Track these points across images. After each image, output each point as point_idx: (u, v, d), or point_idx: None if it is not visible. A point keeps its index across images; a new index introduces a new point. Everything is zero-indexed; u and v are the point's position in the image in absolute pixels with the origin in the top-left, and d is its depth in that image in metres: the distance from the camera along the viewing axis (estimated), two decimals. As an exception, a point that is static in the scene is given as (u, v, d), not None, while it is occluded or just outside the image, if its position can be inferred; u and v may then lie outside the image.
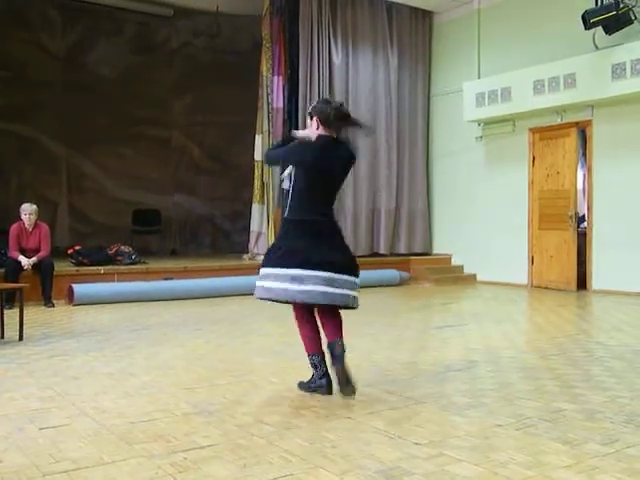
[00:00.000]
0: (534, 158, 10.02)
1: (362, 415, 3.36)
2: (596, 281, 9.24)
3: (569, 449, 2.83)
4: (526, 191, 10.09)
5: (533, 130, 10.01)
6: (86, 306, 7.71)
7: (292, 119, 10.02)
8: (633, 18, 8.30)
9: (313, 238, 3.68)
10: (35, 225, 7.74)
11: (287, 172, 3.82)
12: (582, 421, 3.24)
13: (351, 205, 10.70)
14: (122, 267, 8.77)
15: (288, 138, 4.05)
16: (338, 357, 3.62)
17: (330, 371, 3.73)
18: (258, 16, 10.45)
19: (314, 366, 3.77)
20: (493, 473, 2.57)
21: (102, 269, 8.49)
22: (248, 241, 10.39)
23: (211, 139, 13.49)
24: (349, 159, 3.85)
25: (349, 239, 10.61)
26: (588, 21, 8.31)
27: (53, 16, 12.26)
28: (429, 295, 9.22)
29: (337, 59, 10.59)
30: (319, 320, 3.79)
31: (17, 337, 5.52)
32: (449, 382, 4.08)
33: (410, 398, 3.68)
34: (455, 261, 11.23)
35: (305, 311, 3.79)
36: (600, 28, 8.43)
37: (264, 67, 10.14)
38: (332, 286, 3.59)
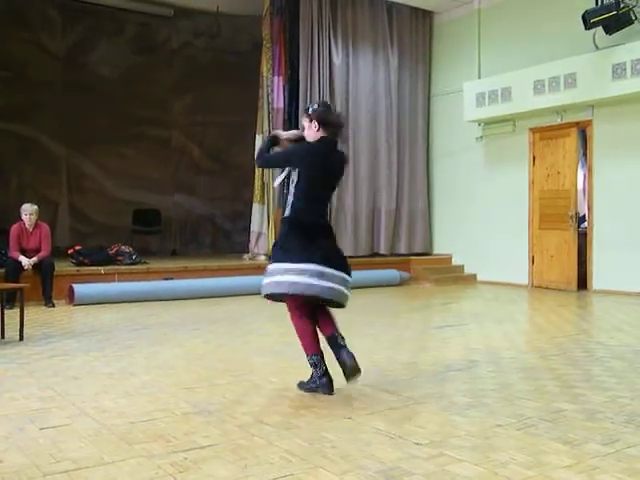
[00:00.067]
0: (534, 158, 10.02)
1: (362, 415, 3.35)
2: (596, 281, 9.24)
3: (569, 449, 2.83)
4: (526, 191, 10.08)
5: (533, 130, 10.01)
6: (86, 306, 7.71)
7: (292, 119, 10.01)
8: (633, 18, 8.30)
9: (322, 237, 3.83)
10: (35, 225, 7.74)
11: (285, 174, 3.89)
12: (582, 421, 3.24)
13: (351, 205, 10.70)
14: (122, 267, 8.77)
15: (273, 139, 4.04)
16: (345, 347, 3.74)
17: (329, 370, 3.76)
18: (258, 16, 10.45)
19: (314, 365, 3.77)
20: (493, 473, 2.57)
21: (102, 269, 8.49)
22: (248, 241, 10.39)
23: (211, 139, 13.49)
24: (344, 162, 4.07)
25: (349, 239, 10.63)
26: (588, 21, 8.31)
27: (53, 16, 12.26)
28: (429, 295, 9.22)
29: (337, 59, 10.59)
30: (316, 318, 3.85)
31: (17, 337, 5.52)
32: (449, 382, 4.08)
33: (410, 398, 3.68)
34: (455, 261, 11.23)
35: (306, 309, 3.81)
36: (600, 28, 8.42)
37: (264, 67, 10.14)
38: (342, 284, 3.78)
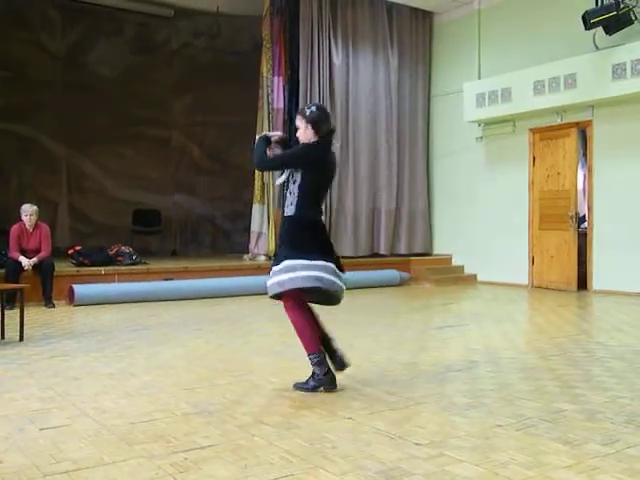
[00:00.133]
0: (534, 158, 10.02)
1: (362, 415, 3.36)
2: (596, 281, 9.24)
3: (569, 449, 2.83)
4: (526, 191, 10.09)
5: (533, 130, 10.01)
6: (86, 306, 7.71)
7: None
8: (633, 18, 8.30)
9: (324, 234, 3.99)
10: (35, 226, 7.74)
11: (287, 174, 3.93)
12: (582, 421, 3.24)
13: (351, 205, 10.70)
14: (123, 267, 8.77)
15: (266, 140, 4.05)
16: (334, 340, 3.94)
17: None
18: (258, 17, 10.46)
19: (319, 363, 3.80)
20: (494, 473, 2.57)
21: (103, 269, 8.49)
22: (248, 241, 10.39)
23: (211, 139, 13.49)
24: (336, 163, 4.18)
25: (349, 239, 10.64)
26: (588, 21, 8.32)
27: (53, 16, 12.27)
28: (429, 295, 9.22)
29: (337, 59, 10.60)
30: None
31: (18, 337, 5.52)
32: (449, 382, 4.08)
33: (410, 398, 3.68)
34: (455, 261, 11.23)
35: (307, 307, 3.88)
36: (600, 28, 8.43)
37: (264, 67, 10.14)
38: (343, 282, 3.93)
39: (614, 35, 8.41)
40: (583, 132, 9.62)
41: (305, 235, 3.82)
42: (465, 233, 11.01)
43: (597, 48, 8.71)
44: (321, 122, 3.88)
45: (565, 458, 2.73)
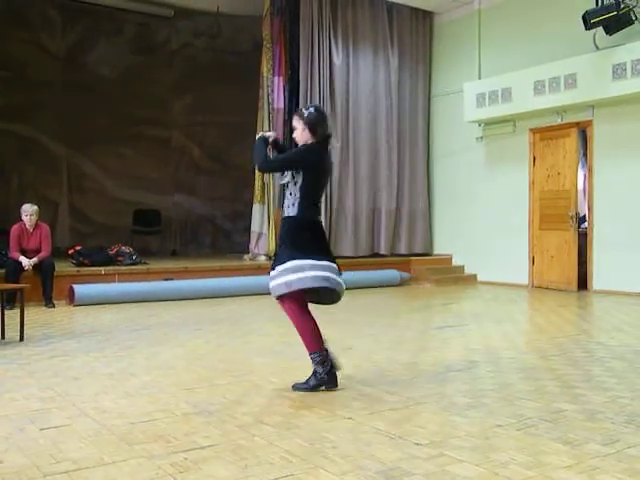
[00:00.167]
0: (535, 158, 10.02)
1: (362, 415, 3.36)
2: (597, 281, 9.24)
3: (570, 449, 2.83)
4: (527, 191, 10.09)
5: (534, 130, 10.01)
6: (87, 306, 7.71)
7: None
8: (634, 18, 8.30)
9: (324, 234, 4.09)
10: (36, 226, 7.74)
11: (290, 175, 3.94)
12: (583, 421, 3.24)
13: (351, 205, 10.70)
14: (123, 267, 8.77)
15: (265, 141, 4.06)
16: (327, 342, 3.95)
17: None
18: (258, 16, 10.46)
19: (321, 362, 3.82)
20: (494, 473, 2.57)
21: (103, 269, 8.49)
22: (249, 241, 10.39)
23: (211, 139, 13.49)
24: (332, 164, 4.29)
25: (349, 239, 10.64)
26: (589, 21, 8.31)
27: (53, 16, 12.27)
28: (430, 295, 9.22)
29: (338, 59, 10.60)
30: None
31: (18, 337, 5.52)
32: (449, 382, 4.08)
33: (410, 398, 3.68)
34: (456, 261, 11.23)
35: (307, 306, 3.91)
36: (601, 28, 8.43)
37: (264, 67, 10.14)
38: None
39: (614, 35, 8.41)
40: (583, 132, 9.61)
41: (307, 235, 3.88)
42: (465, 233, 11.01)
43: (597, 48, 8.71)
44: (318, 125, 3.92)
45: (565, 458, 2.73)
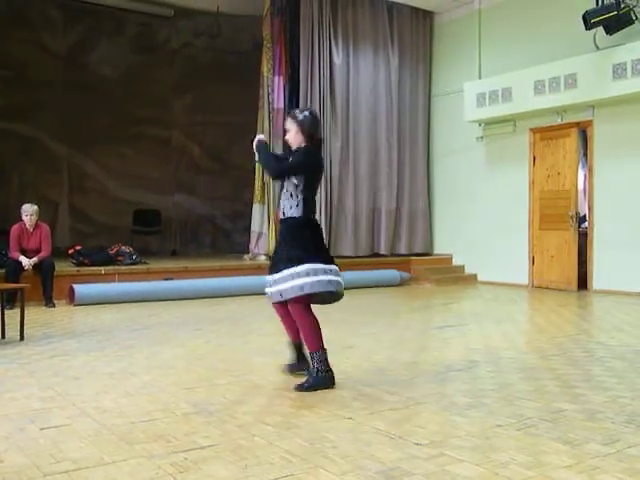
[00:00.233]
0: (535, 158, 10.02)
1: (363, 415, 3.36)
2: (597, 281, 9.24)
3: (570, 449, 2.83)
4: (527, 191, 10.08)
5: (534, 130, 10.01)
6: (87, 306, 7.71)
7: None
8: (634, 18, 8.30)
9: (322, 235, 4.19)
10: (36, 225, 7.75)
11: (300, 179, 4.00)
12: (583, 421, 3.24)
13: (351, 205, 10.70)
14: (123, 267, 8.77)
15: (264, 146, 4.11)
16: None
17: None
18: (259, 16, 10.46)
19: (323, 360, 3.88)
20: (494, 473, 2.57)
21: (103, 269, 8.49)
22: (249, 241, 10.39)
23: (211, 139, 13.50)
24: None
25: (349, 239, 10.64)
26: (589, 21, 8.31)
27: (54, 16, 12.28)
28: (430, 295, 9.22)
29: (338, 59, 10.60)
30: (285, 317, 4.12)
31: (18, 337, 5.52)
32: (450, 382, 4.08)
33: (411, 398, 3.68)
34: (456, 261, 11.23)
35: (310, 306, 3.97)
36: (601, 28, 8.43)
37: (265, 67, 10.14)
38: None
39: (614, 35, 8.41)
40: (583, 132, 9.61)
41: (313, 236, 3.99)
42: (465, 233, 11.00)
43: (597, 48, 8.70)
44: (313, 129, 3.98)
45: (565, 458, 2.73)
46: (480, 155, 10.86)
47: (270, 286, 4.01)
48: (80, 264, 8.64)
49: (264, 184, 10.11)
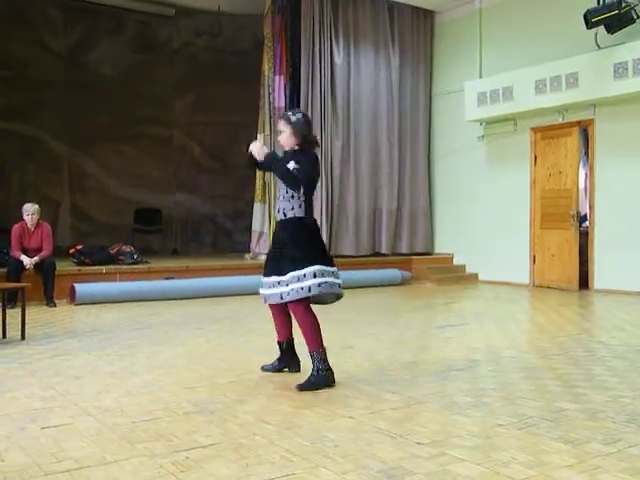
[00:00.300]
0: (536, 157, 10.01)
1: (364, 415, 3.36)
2: (598, 280, 9.23)
3: (571, 449, 2.83)
4: (528, 190, 10.08)
5: (535, 129, 10.00)
6: (88, 305, 7.72)
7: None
8: (635, 17, 8.29)
9: None
10: (37, 225, 7.75)
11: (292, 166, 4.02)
12: (584, 421, 3.24)
13: (353, 204, 10.70)
14: (124, 267, 8.77)
15: (276, 158, 4.11)
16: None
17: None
18: (259, 15, 10.45)
19: (324, 360, 3.91)
20: (495, 473, 2.57)
21: (104, 268, 8.50)
22: (250, 240, 10.40)
23: (212, 138, 13.49)
24: None
25: (351, 238, 10.64)
26: (590, 20, 8.31)
27: (55, 15, 12.28)
28: (431, 295, 9.22)
29: (339, 58, 10.59)
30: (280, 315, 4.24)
31: (19, 336, 5.52)
32: (451, 382, 4.08)
33: (412, 397, 3.68)
34: (457, 261, 11.23)
35: (310, 305, 4.03)
36: (602, 27, 8.42)
37: (265, 66, 10.14)
38: None
39: (616, 34, 8.40)
40: (585, 131, 9.61)
41: (314, 236, 4.03)
42: (466, 232, 11.00)
43: (599, 47, 8.69)
44: (305, 130, 4.03)
45: (566, 457, 2.73)
46: (481, 154, 10.86)
47: (270, 287, 4.02)
48: (81, 263, 8.64)
49: (265, 183, 10.10)
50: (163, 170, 13.16)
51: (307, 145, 4.06)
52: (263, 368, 4.35)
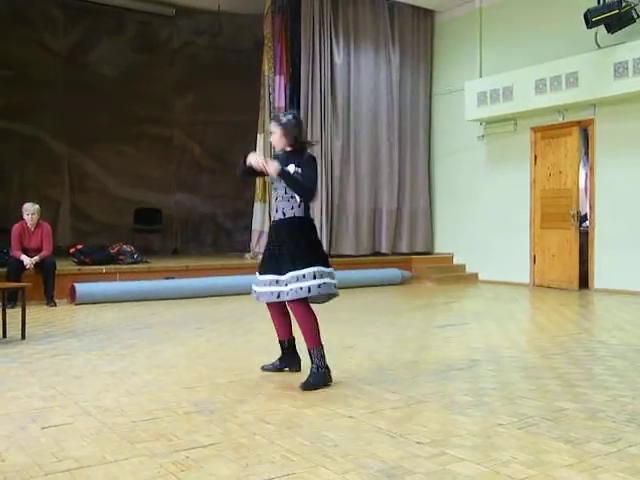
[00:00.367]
0: (536, 157, 10.01)
1: (364, 414, 3.36)
2: (598, 280, 9.23)
3: (571, 448, 2.83)
4: (528, 190, 10.08)
5: (535, 129, 10.00)
6: (88, 305, 7.72)
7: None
8: (635, 17, 8.28)
9: None
10: (37, 224, 7.75)
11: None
12: (584, 420, 3.24)
13: (353, 204, 10.70)
14: (124, 266, 8.77)
15: (288, 173, 4.07)
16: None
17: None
18: (260, 15, 10.45)
19: (323, 356, 3.96)
20: (495, 472, 2.57)
21: (104, 268, 8.50)
22: (250, 240, 10.40)
23: (213, 138, 13.49)
24: None
25: (350, 238, 10.64)
26: (590, 20, 8.31)
27: (55, 15, 12.27)
28: (431, 294, 9.22)
29: (339, 58, 10.59)
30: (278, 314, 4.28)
31: (19, 336, 5.53)
32: (451, 381, 4.08)
33: (412, 397, 3.68)
34: (457, 260, 11.23)
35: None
36: (602, 27, 8.41)
37: (266, 66, 10.14)
38: None
39: (616, 33, 8.40)
40: (585, 131, 9.61)
41: (312, 235, 4.07)
42: (466, 232, 11.00)
43: (599, 46, 8.69)
44: (296, 131, 4.05)
45: (567, 457, 2.73)
46: (481, 154, 10.86)
47: (265, 285, 4.04)
48: (81, 263, 8.64)
49: (265, 183, 10.11)
50: (163, 170, 13.16)
51: (298, 146, 4.06)
52: (263, 368, 4.35)
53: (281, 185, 4.02)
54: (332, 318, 6.35)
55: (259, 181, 10.12)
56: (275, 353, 4.41)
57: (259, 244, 10.16)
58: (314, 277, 3.87)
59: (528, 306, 8.38)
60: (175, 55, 13.35)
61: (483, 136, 10.74)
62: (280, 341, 4.33)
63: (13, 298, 7.02)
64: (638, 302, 8.02)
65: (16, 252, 7.56)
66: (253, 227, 10.27)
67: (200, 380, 4.12)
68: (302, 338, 4.04)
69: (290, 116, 4.10)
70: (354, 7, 10.80)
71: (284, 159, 4.05)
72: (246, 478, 2.53)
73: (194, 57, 13.24)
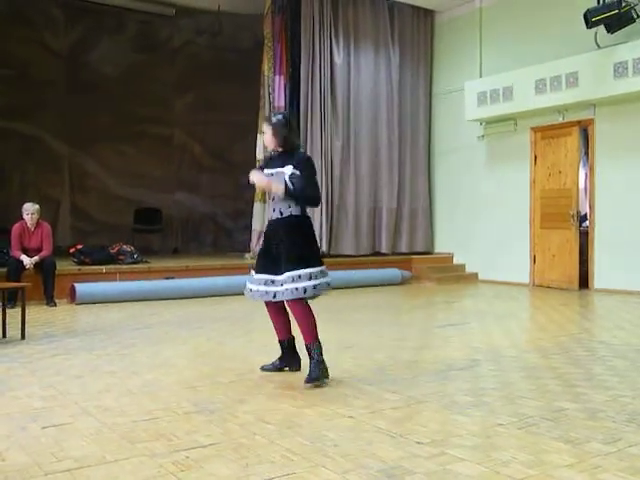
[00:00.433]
0: (536, 157, 10.01)
1: (364, 414, 3.36)
2: (598, 280, 9.23)
3: (571, 448, 2.83)
4: (528, 190, 10.07)
5: (535, 129, 10.00)
6: (88, 305, 7.72)
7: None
8: (635, 17, 8.28)
9: None
10: (37, 224, 7.75)
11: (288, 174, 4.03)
12: (584, 420, 3.24)
13: (352, 204, 10.70)
14: (124, 266, 8.77)
15: (293, 189, 4.09)
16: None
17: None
18: (260, 15, 10.45)
19: (320, 350, 4.02)
20: (495, 472, 2.57)
21: (104, 268, 8.50)
22: (250, 240, 10.39)
23: (213, 137, 13.49)
24: None
25: (350, 238, 10.63)
26: (590, 20, 8.30)
27: (56, 15, 12.27)
28: (431, 294, 9.22)
29: (339, 58, 10.59)
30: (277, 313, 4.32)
31: (19, 336, 5.53)
32: (451, 381, 4.08)
33: (412, 397, 3.68)
34: (457, 260, 11.23)
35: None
36: (602, 27, 8.41)
37: (266, 66, 10.13)
38: None
39: (616, 33, 8.40)
40: (585, 131, 9.60)
41: (310, 234, 4.11)
42: (466, 232, 11.00)
43: (599, 47, 8.69)
44: (284, 131, 4.07)
45: (567, 457, 2.73)
46: (481, 154, 10.85)
47: (260, 284, 4.06)
48: (81, 263, 8.64)
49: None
50: (163, 169, 13.16)
51: (288, 146, 4.08)
52: (263, 368, 4.35)
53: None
54: (332, 318, 6.36)
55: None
56: (276, 353, 4.41)
57: (259, 244, 10.12)
58: (310, 278, 3.92)
59: (528, 306, 8.38)
60: (175, 55, 13.35)
61: (483, 136, 10.74)
62: (280, 341, 4.34)
63: (13, 298, 7.02)
64: (638, 302, 8.02)
65: (16, 252, 7.55)
66: (253, 227, 10.27)
67: (200, 380, 4.12)
68: (301, 338, 4.05)
69: (280, 116, 4.14)
70: (354, 7, 10.80)
71: (278, 160, 4.09)
72: (246, 478, 2.53)
73: (194, 57, 13.25)
